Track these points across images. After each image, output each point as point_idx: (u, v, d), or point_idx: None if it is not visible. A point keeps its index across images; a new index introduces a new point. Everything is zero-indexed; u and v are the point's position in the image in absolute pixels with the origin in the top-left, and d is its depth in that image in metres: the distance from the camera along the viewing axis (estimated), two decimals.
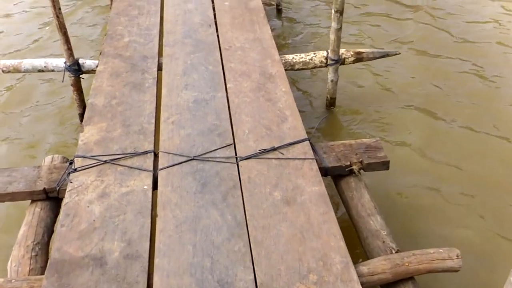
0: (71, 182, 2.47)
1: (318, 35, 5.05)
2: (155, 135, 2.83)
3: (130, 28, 3.93)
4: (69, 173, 2.52)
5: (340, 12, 3.37)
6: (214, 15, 4.15)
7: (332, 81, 3.75)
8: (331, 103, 3.91)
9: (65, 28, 3.32)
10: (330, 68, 3.68)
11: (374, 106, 4.01)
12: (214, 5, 4.31)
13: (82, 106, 3.70)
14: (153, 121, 2.92)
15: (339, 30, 3.46)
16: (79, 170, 2.54)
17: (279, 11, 5.46)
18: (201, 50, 3.62)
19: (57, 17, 3.25)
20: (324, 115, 3.84)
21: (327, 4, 5.63)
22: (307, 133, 2.81)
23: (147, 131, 2.83)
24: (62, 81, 3.60)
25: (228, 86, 3.22)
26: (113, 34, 3.84)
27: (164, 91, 3.19)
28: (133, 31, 3.89)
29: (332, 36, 3.51)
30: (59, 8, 3.23)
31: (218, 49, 3.65)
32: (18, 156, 3.65)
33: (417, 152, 3.55)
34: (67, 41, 3.38)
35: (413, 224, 3.01)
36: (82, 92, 3.68)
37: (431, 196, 3.21)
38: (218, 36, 3.83)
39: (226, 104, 3.05)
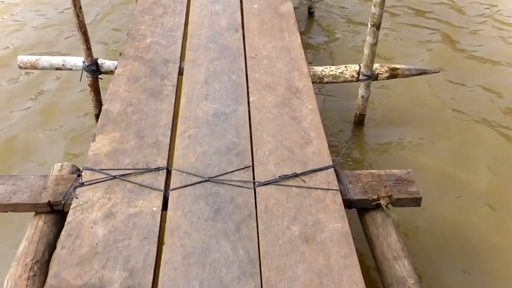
0: (76, 198, 2.32)
1: (352, 44, 4.79)
2: (169, 150, 2.66)
3: (153, 28, 3.76)
4: (75, 187, 2.37)
5: (377, 26, 3.13)
6: (242, 18, 3.94)
7: (362, 97, 3.50)
8: (360, 120, 3.67)
9: (85, 28, 3.17)
10: (362, 84, 3.44)
11: (409, 125, 3.74)
12: (242, 7, 4.10)
13: (99, 107, 3.55)
14: (169, 133, 2.75)
15: (374, 45, 3.21)
16: (87, 185, 2.39)
17: (310, 14, 5.21)
18: (226, 57, 3.42)
19: (77, 16, 3.10)
20: (352, 140, 3.55)
21: (365, 6, 5.35)
22: (332, 152, 2.60)
23: (161, 145, 2.66)
24: (80, 81, 3.46)
25: (251, 99, 3.02)
26: (135, 34, 3.68)
27: (183, 101, 3.01)
28: (156, 32, 3.72)
29: (366, 51, 3.26)
30: (80, 7, 3.08)
31: (244, 56, 3.45)
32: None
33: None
34: (86, 40, 3.23)
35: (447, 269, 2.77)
36: (99, 92, 3.54)
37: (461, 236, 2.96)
38: (244, 42, 3.62)
39: (248, 119, 2.85)
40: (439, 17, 5.21)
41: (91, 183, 2.40)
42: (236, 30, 3.75)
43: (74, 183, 2.43)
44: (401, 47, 4.71)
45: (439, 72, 3.51)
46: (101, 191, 2.36)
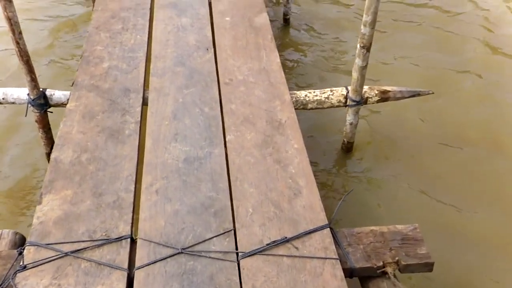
0: None
1: (336, 58, 4.38)
2: (133, 210, 2.23)
3: (111, 49, 3.27)
4: (15, 272, 1.92)
5: (367, 48, 2.75)
6: (213, 33, 3.50)
7: (351, 124, 3.14)
8: (348, 148, 3.31)
9: (27, 56, 2.68)
10: (350, 110, 3.07)
11: (406, 151, 3.40)
12: (212, 20, 3.66)
13: (51, 144, 3.06)
14: (133, 187, 2.31)
15: (364, 68, 2.84)
16: (30, 268, 1.94)
17: (286, 21, 4.79)
18: (196, 84, 2.99)
19: (17, 43, 2.60)
20: (349, 190, 2.97)
21: (352, 15, 4.94)
22: (320, 189, 2.25)
23: (123, 204, 2.23)
24: (25, 116, 2.95)
25: (227, 138, 2.60)
26: (90, 57, 3.18)
27: (148, 143, 2.57)
28: (114, 53, 3.24)
29: (355, 74, 2.89)
30: (20, 32, 2.58)
31: (217, 82, 3.02)
32: None
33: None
34: (30, 70, 2.73)
35: None
36: (50, 128, 3.05)
37: None
38: (216, 63, 3.19)
39: (225, 165, 2.44)
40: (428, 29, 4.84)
41: (36, 264, 1.95)
42: (207, 49, 3.30)
43: (14, 264, 1.97)
44: (388, 66, 4.31)
45: (433, 93, 3.17)
46: (48, 275, 1.92)
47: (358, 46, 2.77)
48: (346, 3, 5.21)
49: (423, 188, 3.17)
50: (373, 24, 2.65)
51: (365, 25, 2.67)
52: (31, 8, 5.01)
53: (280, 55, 3.30)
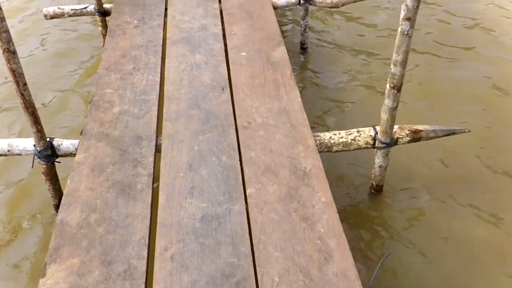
0: None
1: (360, 91, 4.15)
2: (146, 281, 2.01)
3: (122, 91, 3.10)
4: None
5: (398, 88, 2.53)
6: (228, 70, 3.31)
7: (380, 166, 2.90)
8: (377, 191, 3.06)
9: (32, 107, 2.51)
10: (379, 152, 2.83)
11: (443, 191, 3.12)
12: (228, 56, 3.48)
13: (59, 196, 2.89)
14: (145, 253, 2.10)
15: (394, 109, 2.61)
16: None
17: (304, 50, 4.60)
18: (212, 129, 2.79)
19: (22, 95, 2.43)
20: (387, 253, 2.69)
21: (375, 40, 4.74)
22: (351, 241, 1.99)
23: (135, 274, 2.01)
24: (32, 167, 2.78)
25: (248, 191, 2.38)
26: (99, 101, 3.02)
27: (162, 199, 2.36)
28: (125, 96, 3.06)
29: (384, 116, 2.66)
30: (24, 84, 2.42)
31: (234, 126, 2.82)
32: None
33: None
34: (36, 121, 2.56)
35: None
36: (57, 179, 2.86)
37: None
38: (233, 104, 2.99)
39: (246, 224, 2.22)
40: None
41: None
42: (223, 89, 3.11)
43: None
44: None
45: (469, 131, 2.92)
46: None
47: (388, 86, 2.55)
48: (368, 25, 5.01)
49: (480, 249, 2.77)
50: (404, 63, 2.43)
51: (395, 65, 2.45)
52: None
53: (299, 89, 3.09)
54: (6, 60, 2.32)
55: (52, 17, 4.13)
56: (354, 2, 4.22)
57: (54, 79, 4.39)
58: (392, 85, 2.53)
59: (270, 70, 3.27)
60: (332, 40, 4.80)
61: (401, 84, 2.53)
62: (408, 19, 2.28)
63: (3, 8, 2.23)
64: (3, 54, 2.30)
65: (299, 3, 4.25)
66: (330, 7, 4.23)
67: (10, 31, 2.28)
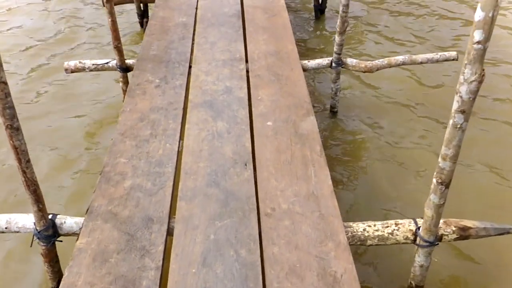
0: None
1: (398, 171, 3.77)
2: None
3: (136, 162, 2.86)
4: None
5: (446, 185, 2.21)
6: (252, 142, 3.05)
7: (421, 266, 2.54)
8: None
9: (35, 185, 2.27)
10: (420, 250, 2.48)
11: None
12: (252, 124, 3.22)
13: (57, 277, 2.61)
14: None
15: (441, 206, 2.28)
16: None
17: (333, 114, 4.34)
18: (232, 214, 2.49)
19: (24, 172, 2.20)
20: None
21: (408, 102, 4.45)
22: None
23: None
24: (30, 246, 2.52)
25: None
26: (111, 173, 2.77)
27: None
28: (139, 167, 2.81)
29: (428, 212, 2.33)
30: (27, 161, 2.18)
31: (256, 211, 2.52)
32: None
33: None
34: (38, 200, 2.31)
35: None
36: (58, 261, 2.59)
37: None
38: (256, 184, 2.70)
39: None
40: None
41: None
42: (246, 165, 2.84)
43: None
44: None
45: None
46: None
47: (435, 181, 2.23)
48: (399, 86, 4.74)
49: None
50: (454, 158, 2.12)
51: (444, 159, 2.14)
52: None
53: (328, 164, 2.79)
54: (9, 137, 2.09)
55: (72, 71, 3.98)
56: (390, 67, 3.96)
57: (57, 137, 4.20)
58: (439, 181, 2.21)
59: (298, 144, 2.99)
60: (364, 104, 4.54)
61: (450, 180, 2.20)
62: (462, 112, 1.98)
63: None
64: (6, 131, 2.08)
65: (330, 66, 4.02)
66: (364, 71, 3.98)
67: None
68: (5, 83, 1.97)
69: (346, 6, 3.61)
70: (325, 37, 5.81)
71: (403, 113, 4.37)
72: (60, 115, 4.48)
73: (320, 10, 6.02)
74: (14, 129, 2.08)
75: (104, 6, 3.73)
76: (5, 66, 2.01)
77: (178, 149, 2.99)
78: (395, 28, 5.88)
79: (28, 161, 2.20)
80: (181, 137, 3.11)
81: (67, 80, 4.95)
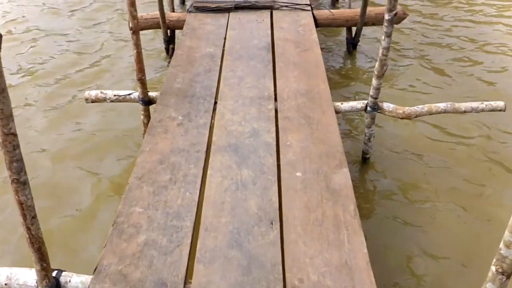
0: None
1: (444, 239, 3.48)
2: None
3: (152, 212, 2.62)
4: None
5: (508, 275, 1.90)
6: (280, 197, 2.79)
7: None
8: None
9: (39, 243, 2.04)
10: None
11: None
12: (280, 174, 2.96)
13: None
14: None
15: None
16: None
17: (365, 160, 4.06)
18: (255, 284, 2.22)
19: (29, 229, 1.98)
20: None
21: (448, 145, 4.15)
22: None
23: None
24: None
25: None
26: (124, 224, 2.53)
27: None
28: (155, 219, 2.57)
29: None
30: (33, 217, 1.96)
31: (282, 283, 2.24)
32: None
33: None
34: (41, 258, 2.09)
35: None
36: None
37: None
38: (282, 248, 2.43)
39: None
40: None
41: None
42: (271, 223, 2.57)
43: None
44: None
45: None
46: None
47: (494, 269, 1.92)
48: (437, 127, 4.45)
49: None
50: None
51: (508, 247, 1.83)
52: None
53: (361, 222, 2.51)
54: (15, 191, 1.88)
55: (93, 101, 3.81)
56: (430, 114, 3.68)
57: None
58: (500, 270, 1.90)
59: (330, 202, 2.72)
60: (400, 151, 4.24)
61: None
62: None
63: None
64: (12, 185, 1.87)
65: (365, 110, 3.75)
66: (402, 118, 3.71)
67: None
68: (15, 135, 1.77)
69: (387, 49, 3.36)
70: (357, 74, 5.55)
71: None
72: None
73: (352, 44, 5.78)
74: (21, 184, 1.86)
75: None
76: None
77: (199, 199, 2.75)
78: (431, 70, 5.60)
79: (34, 217, 1.97)
80: (202, 184, 2.87)
81: None
